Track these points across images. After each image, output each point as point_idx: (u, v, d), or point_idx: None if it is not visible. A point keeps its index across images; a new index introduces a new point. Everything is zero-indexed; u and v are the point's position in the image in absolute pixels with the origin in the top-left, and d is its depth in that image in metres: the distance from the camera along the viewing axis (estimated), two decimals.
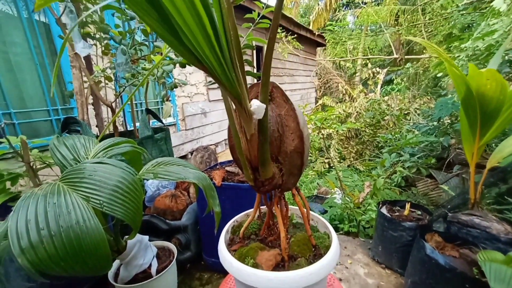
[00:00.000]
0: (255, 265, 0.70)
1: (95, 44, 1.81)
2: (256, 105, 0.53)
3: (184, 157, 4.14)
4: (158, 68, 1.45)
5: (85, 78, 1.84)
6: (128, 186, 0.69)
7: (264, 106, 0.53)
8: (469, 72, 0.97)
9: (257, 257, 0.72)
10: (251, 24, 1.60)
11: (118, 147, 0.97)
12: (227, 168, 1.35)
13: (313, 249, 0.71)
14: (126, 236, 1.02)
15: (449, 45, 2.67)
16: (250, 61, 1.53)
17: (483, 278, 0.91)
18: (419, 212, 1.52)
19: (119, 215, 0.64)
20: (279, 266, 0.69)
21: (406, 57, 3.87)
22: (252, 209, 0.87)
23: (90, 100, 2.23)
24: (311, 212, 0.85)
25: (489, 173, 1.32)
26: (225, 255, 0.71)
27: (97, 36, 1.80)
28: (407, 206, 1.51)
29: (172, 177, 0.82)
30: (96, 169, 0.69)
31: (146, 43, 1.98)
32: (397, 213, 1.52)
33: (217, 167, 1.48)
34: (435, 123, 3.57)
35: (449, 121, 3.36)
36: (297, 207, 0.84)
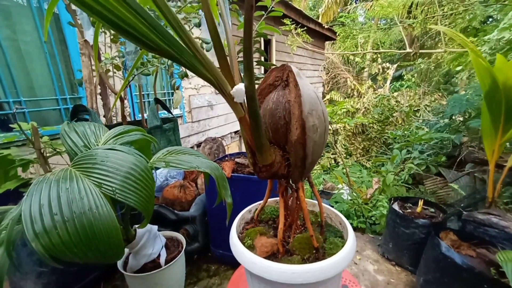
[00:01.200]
0: (251, 247, 0.70)
1: (104, 32, 1.79)
2: (234, 89, 0.53)
3: None
4: None
5: (93, 67, 1.83)
6: (141, 173, 0.68)
7: (242, 89, 0.52)
8: (496, 63, 0.92)
9: (255, 240, 0.72)
10: (263, 12, 1.55)
11: (129, 135, 0.96)
12: (237, 160, 1.33)
13: (314, 251, 0.68)
14: (136, 225, 1.01)
15: (468, 38, 2.57)
16: (262, 50, 1.49)
17: (503, 278, 0.88)
18: (432, 210, 1.48)
19: (132, 203, 0.63)
20: (274, 255, 0.68)
21: (420, 51, 3.75)
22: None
23: (98, 90, 2.23)
24: (327, 206, 0.82)
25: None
26: (236, 244, 0.69)
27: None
28: (420, 203, 1.47)
29: (184, 166, 0.80)
30: (108, 155, 0.67)
31: None
32: (409, 210, 1.49)
33: (226, 158, 1.47)
34: (446, 120, 3.48)
35: (461, 118, 3.28)
36: (329, 206, 0.81)
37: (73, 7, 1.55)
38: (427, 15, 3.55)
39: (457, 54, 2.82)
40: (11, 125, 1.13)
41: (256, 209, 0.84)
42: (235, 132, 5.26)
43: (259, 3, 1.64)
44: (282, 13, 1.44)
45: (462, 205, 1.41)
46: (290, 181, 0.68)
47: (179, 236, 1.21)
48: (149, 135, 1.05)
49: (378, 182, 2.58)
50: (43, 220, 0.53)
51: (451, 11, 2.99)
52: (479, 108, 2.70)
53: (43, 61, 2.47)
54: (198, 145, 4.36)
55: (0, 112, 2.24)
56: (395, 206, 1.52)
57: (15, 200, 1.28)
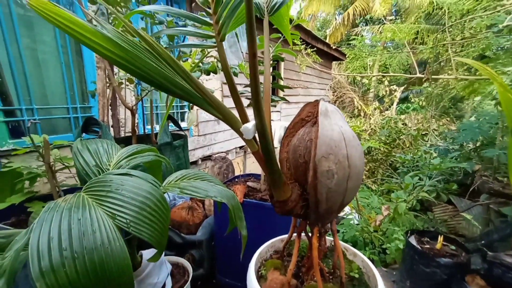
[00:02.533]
0: (264, 278, 0.67)
1: None
2: (242, 127, 0.54)
3: (194, 162, 4.11)
4: None
5: (108, 81, 1.84)
6: (156, 203, 0.64)
7: (249, 128, 0.53)
8: None
9: (268, 272, 0.67)
10: (280, 35, 1.57)
11: (142, 156, 0.93)
12: (249, 183, 1.28)
13: None
14: (142, 251, 0.96)
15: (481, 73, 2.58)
16: (279, 73, 1.49)
17: None
18: (453, 247, 1.40)
19: (146, 237, 0.59)
20: None
21: (433, 77, 3.77)
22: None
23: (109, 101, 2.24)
24: (359, 254, 0.76)
25: None
26: (250, 276, 0.64)
27: None
28: (440, 239, 1.39)
29: (201, 195, 0.76)
30: (123, 182, 0.64)
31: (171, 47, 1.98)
32: (427, 246, 1.41)
33: (236, 180, 1.42)
34: (456, 146, 3.42)
35: (471, 145, 3.22)
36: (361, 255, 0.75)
37: (94, 22, 1.58)
38: (436, 41, 3.60)
39: (469, 81, 2.81)
40: (23, 138, 1.11)
41: (270, 251, 0.79)
42: (240, 147, 5.24)
43: (276, 26, 1.66)
44: (300, 38, 1.45)
45: (483, 242, 1.34)
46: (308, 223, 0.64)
47: (185, 263, 1.15)
48: (162, 155, 1.02)
49: (387, 209, 2.49)
50: (51, 256, 0.49)
51: (462, 40, 3.03)
52: (492, 137, 2.65)
53: (58, 70, 2.52)
54: (203, 158, 4.33)
55: (12, 119, 2.25)
56: (412, 240, 1.44)
57: (17, 214, 1.24)
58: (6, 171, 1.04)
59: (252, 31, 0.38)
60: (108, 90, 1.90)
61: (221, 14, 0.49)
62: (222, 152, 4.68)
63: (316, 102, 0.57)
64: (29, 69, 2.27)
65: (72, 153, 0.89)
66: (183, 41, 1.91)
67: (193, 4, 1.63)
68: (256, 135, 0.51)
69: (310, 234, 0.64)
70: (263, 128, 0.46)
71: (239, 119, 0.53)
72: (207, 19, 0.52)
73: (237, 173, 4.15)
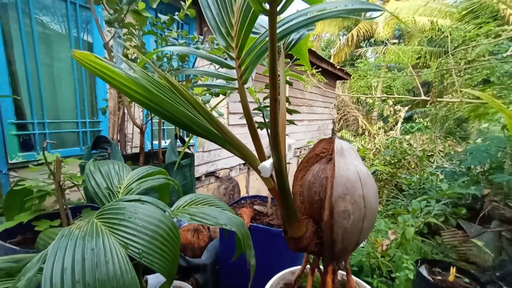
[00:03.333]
0: None
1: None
2: (260, 166, 0.55)
3: (198, 178, 4.10)
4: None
5: (120, 99, 1.90)
6: (168, 232, 0.64)
7: (267, 167, 0.54)
8: None
9: None
10: (289, 60, 1.62)
11: (152, 180, 0.94)
12: (255, 207, 1.28)
13: None
14: (147, 276, 0.94)
15: (485, 90, 2.61)
16: (287, 97, 1.52)
17: None
18: (467, 280, 1.34)
19: (157, 268, 0.58)
20: None
21: (438, 99, 3.81)
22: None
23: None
24: (364, 285, 0.74)
25: None
26: None
27: (135, 59, 1.87)
28: (452, 270, 1.34)
29: (210, 222, 0.75)
30: (136, 210, 0.64)
31: (181, 68, 2.05)
32: (439, 277, 1.36)
33: (243, 202, 1.41)
34: (463, 169, 3.37)
35: (479, 168, 3.17)
36: None
37: (110, 44, 1.66)
38: (441, 66, 3.67)
39: (475, 105, 2.83)
40: (37, 157, 1.13)
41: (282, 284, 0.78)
42: (244, 164, 5.24)
43: (295, 55, 1.72)
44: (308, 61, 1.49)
45: (497, 274, 1.28)
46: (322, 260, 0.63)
47: None
48: (171, 178, 1.03)
49: (394, 233, 2.43)
50: None
51: (466, 65, 3.08)
52: (501, 161, 2.62)
53: (71, 86, 2.61)
54: (207, 174, 4.32)
55: (24, 133, 2.30)
56: (423, 271, 1.39)
57: (24, 232, 1.24)
58: (18, 189, 1.05)
59: (274, 78, 0.40)
60: (119, 108, 1.95)
61: (244, 60, 0.52)
62: (226, 168, 4.67)
63: (331, 139, 0.58)
64: (44, 84, 2.35)
65: (84, 174, 0.91)
66: (194, 62, 1.98)
67: (205, 29, 1.70)
68: (273, 172, 0.52)
69: (322, 269, 0.63)
70: (280, 167, 0.47)
71: (257, 157, 0.54)
72: (231, 63, 0.55)
73: (241, 187, 4.11)
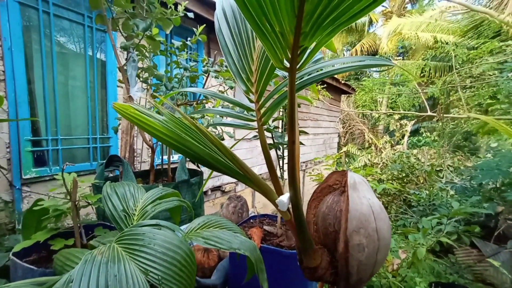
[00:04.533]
0: None
1: (147, 88, 1.97)
2: (278, 200, 0.57)
3: (204, 193, 4.11)
4: (205, 116, 1.52)
5: None
6: (185, 258, 0.65)
7: (284, 202, 0.56)
8: None
9: None
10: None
11: (167, 202, 0.96)
12: (265, 227, 1.28)
13: None
14: None
15: (493, 105, 2.62)
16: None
17: None
18: None
19: None
20: None
21: (445, 115, 3.82)
22: None
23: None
24: None
25: None
26: None
27: (146, 78, 1.94)
28: None
29: (224, 246, 0.77)
30: (155, 236, 0.66)
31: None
32: None
33: (251, 221, 1.42)
34: (474, 185, 3.31)
35: (491, 184, 3.11)
36: None
37: (126, 67, 1.74)
38: (446, 84, 3.70)
39: (482, 122, 2.83)
40: (55, 177, 1.18)
41: None
42: None
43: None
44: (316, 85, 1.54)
45: None
46: None
47: None
48: (184, 200, 1.05)
49: (404, 252, 2.37)
50: None
51: (472, 82, 3.11)
52: None
53: (84, 103, 2.71)
54: (213, 189, 4.33)
55: (39, 149, 2.38)
56: None
57: (39, 251, 1.26)
58: (36, 209, 1.09)
59: (293, 125, 0.43)
60: (130, 127, 2.01)
61: (263, 104, 0.56)
62: (232, 183, 4.68)
63: (344, 172, 0.61)
64: (59, 102, 2.45)
65: (102, 197, 0.94)
66: (204, 84, 2.05)
67: (215, 52, 1.78)
68: (289, 205, 0.54)
69: None
70: (297, 200, 0.50)
71: (275, 191, 0.56)
72: (251, 106, 0.59)
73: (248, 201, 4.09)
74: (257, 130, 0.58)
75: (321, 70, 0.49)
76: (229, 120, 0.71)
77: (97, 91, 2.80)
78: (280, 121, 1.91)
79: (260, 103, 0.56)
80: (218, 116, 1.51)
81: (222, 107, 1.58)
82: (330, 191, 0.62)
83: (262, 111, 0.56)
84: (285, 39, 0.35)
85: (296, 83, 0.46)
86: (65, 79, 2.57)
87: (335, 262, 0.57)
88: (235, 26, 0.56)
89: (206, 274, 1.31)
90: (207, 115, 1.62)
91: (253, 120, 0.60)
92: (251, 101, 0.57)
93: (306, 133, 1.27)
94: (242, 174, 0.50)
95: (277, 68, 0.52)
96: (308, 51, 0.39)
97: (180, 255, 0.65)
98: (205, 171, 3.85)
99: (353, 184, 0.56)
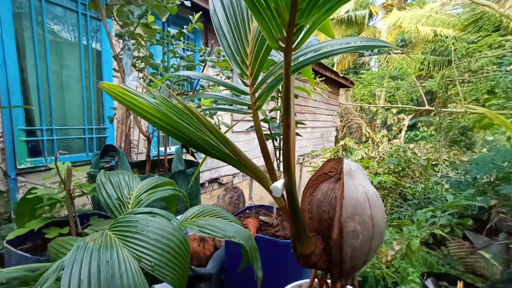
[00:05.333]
0: None
1: (143, 78, 1.93)
2: (272, 186, 0.57)
3: (202, 185, 4.12)
4: (201, 106, 1.50)
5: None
6: (179, 245, 0.65)
7: (279, 188, 0.56)
8: None
9: None
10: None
11: (162, 191, 0.96)
12: (261, 217, 1.28)
13: None
14: (154, 286, 0.95)
15: (490, 101, 2.63)
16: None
17: None
18: None
19: (168, 281, 0.59)
20: None
21: (443, 110, 3.82)
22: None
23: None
24: None
25: None
26: None
27: (142, 68, 1.90)
28: (460, 285, 1.33)
29: (219, 234, 0.77)
30: (148, 223, 0.66)
31: (189, 79, 2.09)
32: None
33: (247, 212, 1.42)
34: (469, 179, 3.34)
35: (485, 179, 3.14)
36: None
37: (121, 55, 1.70)
38: (445, 78, 3.69)
39: (480, 116, 2.83)
40: (50, 166, 1.16)
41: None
42: None
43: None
44: (312, 72, 1.52)
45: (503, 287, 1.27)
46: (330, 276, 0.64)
47: None
48: (179, 189, 1.04)
49: (399, 244, 2.41)
50: None
51: (470, 76, 3.11)
52: (507, 172, 2.60)
53: (79, 93, 2.66)
54: (210, 181, 4.34)
55: (33, 139, 2.35)
56: (430, 284, 1.38)
57: (33, 239, 1.26)
58: (30, 198, 1.08)
59: (288, 107, 0.42)
60: (126, 116, 1.98)
61: (258, 87, 0.55)
62: (229, 175, 4.68)
63: (340, 159, 0.60)
64: (53, 92, 2.40)
65: (96, 185, 0.93)
66: (202, 70, 2.02)
67: (212, 41, 1.74)
68: (284, 192, 0.54)
69: (330, 285, 0.64)
70: (291, 188, 0.49)
71: (269, 178, 0.56)
72: (246, 90, 0.57)
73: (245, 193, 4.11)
74: (251, 115, 0.56)
75: (318, 51, 0.48)
76: (224, 105, 0.69)
77: (92, 81, 2.75)
78: (278, 112, 1.90)
79: (255, 86, 0.55)
80: (214, 105, 1.49)
81: None
82: (326, 178, 0.61)
83: (256, 94, 0.55)
84: (281, 16, 0.34)
85: (291, 64, 0.45)
86: (59, 68, 2.52)
87: (329, 249, 0.57)
88: (230, 7, 0.54)
89: (202, 263, 1.32)
90: (203, 105, 1.60)
91: (248, 104, 0.58)
92: (245, 84, 0.56)
93: (303, 123, 1.26)
94: (236, 159, 0.49)
95: (272, 50, 0.50)
96: (304, 30, 0.37)
97: (173, 242, 0.64)
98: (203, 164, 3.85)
99: (349, 171, 0.56)
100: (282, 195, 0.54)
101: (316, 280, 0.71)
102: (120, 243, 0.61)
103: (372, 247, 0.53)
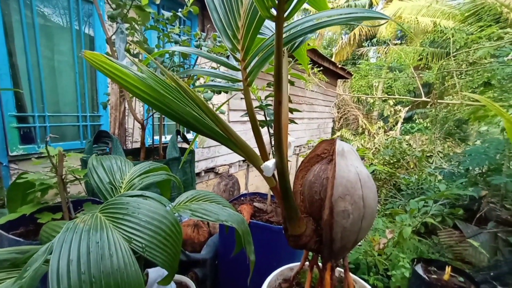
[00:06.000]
0: None
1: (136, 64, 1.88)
2: (263, 165, 0.56)
3: (198, 174, 4.12)
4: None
5: (122, 94, 1.90)
6: (170, 227, 0.65)
7: (270, 167, 0.55)
8: None
9: None
10: (291, 60, 1.62)
11: (154, 175, 0.95)
12: (255, 204, 1.29)
13: None
14: (148, 270, 0.96)
15: (485, 93, 2.63)
16: (288, 95, 1.53)
17: None
18: (462, 279, 1.37)
19: (159, 262, 0.59)
20: None
21: (439, 101, 3.82)
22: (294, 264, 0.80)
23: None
24: (362, 283, 0.76)
25: None
26: None
27: (136, 54, 1.86)
28: (448, 269, 1.37)
29: (212, 218, 0.77)
30: (139, 205, 0.65)
31: (184, 64, 2.05)
32: (434, 276, 1.38)
33: (242, 199, 1.43)
34: (461, 170, 3.39)
35: (477, 170, 3.19)
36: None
37: (114, 39, 1.65)
38: (442, 68, 3.68)
39: (475, 108, 2.84)
40: (40, 150, 1.14)
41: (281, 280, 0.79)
42: (243, 161, 5.25)
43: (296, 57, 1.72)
44: (309, 58, 1.50)
45: (492, 273, 1.31)
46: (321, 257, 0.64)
47: (189, 282, 1.14)
48: (173, 174, 1.04)
49: (391, 232, 2.46)
50: (69, 279, 0.50)
51: (467, 68, 3.09)
52: (499, 163, 2.64)
53: (72, 79, 2.60)
54: (206, 170, 4.34)
55: (25, 125, 2.30)
56: (419, 269, 1.42)
57: (26, 224, 1.25)
58: (21, 182, 1.06)
59: (280, 81, 0.40)
60: (120, 102, 1.95)
61: (249, 62, 0.53)
62: (225, 165, 4.69)
63: (332, 140, 0.60)
64: (44, 77, 2.34)
65: (87, 169, 0.92)
66: (196, 60, 1.98)
67: (207, 26, 1.70)
68: (275, 172, 0.53)
69: (321, 266, 0.65)
70: (283, 167, 0.49)
71: (260, 157, 0.55)
72: (236, 65, 0.55)
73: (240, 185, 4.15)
74: (242, 91, 0.55)
75: (311, 22, 0.46)
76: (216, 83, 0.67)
77: (85, 67, 2.68)
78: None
79: (246, 61, 0.53)
80: (209, 91, 1.47)
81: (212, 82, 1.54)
82: (318, 160, 0.61)
83: (248, 70, 0.54)
84: None
85: (284, 36, 0.43)
86: (50, 53, 2.44)
87: (319, 230, 0.58)
88: None
89: (196, 249, 1.33)
90: (198, 91, 1.57)
91: (239, 81, 0.57)
92: (236, 59, 0.54)
93: (299, 110, 1.25)
94: (226, 137, 0.48)
95: (264, 29, 0.48)
96: None
97: (165, 224, 0.64)
98: (198, 152, 3.84)
99: (341, 152, 0.55)
100: (274, 175, 0.54)
101: (307, 262, 0.72)
102: (110, 224, 0.61)
103: (363, 228, 0.53)
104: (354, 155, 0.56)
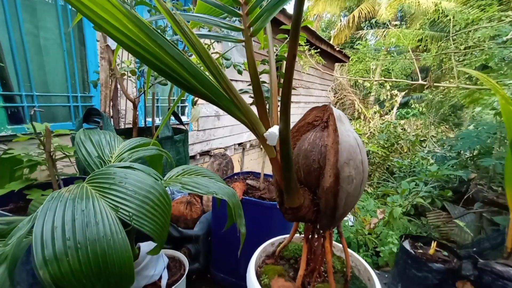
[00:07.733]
0: (267, 286, 0.67)
1: None
2: (268, 132, 0.52)
3: (193, 157, 4.11)
4: None
5: (112, 72, 1.83)
6: (159, 198, 0.64)
7: (275, 133, 0.52)
8: None
9: (272, 280, 0.68)
10: (286, 36, 1.57)
11: (144, 150, 0.93)
12: (248, 181, 1.29)
13: None
14: (140, 244, 0.97)
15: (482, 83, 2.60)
16: (283, 73, 1.49)
17: None
18: (446, 253, 1.42)
19: (147, 231, 0.59)
20: None
21: (435, 84, 3.79)
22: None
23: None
24: (357, 257, 0.77)
25: None
26: (252, 281, 0.65)
27: None
28: (433, 244, 1.42)
29: (202, 191, 0.76)
30: (126, 176, 0.64)
31: (176, 41, 1.97)
32: (420, 250, 1.43)
33: (236, 177, 1.43)
34: (453, 154, 3.45)
35: (468, 153, 3.25)
36: (359, 257, 0.77)
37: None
38: (440, 50, 3.62)
39: (470, 91, 2.83)
40: (25, 126, 1.11)
41: (280, 243, 0.80)
42: (239, 144, 5.25)
43: (283, 27, 1.66)
44: (305, 38, 1.45)
45: (474, 249, 1.36)
46: (318, 226, 0.65)
47: (182, 257, 1.16)
48: (163, 149, 1.02)
49: (382, 213, 2.53)
50: (54, 245, 0.49)
51: (465, 50, 3.05)
52: (489, 146, 2.68)
53: (60, 58, 2.50)
54: (202, 153, 4.33)
55: (11, 105, 2.23)
56: (406, 245, 1.46)
57: (16, 201, 1.24)
58: (6, 157, 1.04)
59: (297, 32, 0.36)
60: (110, 81, 1.89)
61: (255, 6, 0.47)
62: (220, 148, 4.68)
63: (324, 107, 0.58)
64: (30, 55, 2.24)
65: (74, 143, 0.89)
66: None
67: None
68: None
69: (312, 238, 0.65)
70: (287, 133, 0.45)
71: (262, 125, 0.51)
72: (236, 9, 0.48)
73: (235, 170, 4.17)
74: (243, 44, 0.49)
75: None
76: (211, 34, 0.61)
77: (74, 45, 2.57)
78: (267, 76, 1.84)
79: (250, 5, 0.47)
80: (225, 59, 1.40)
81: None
82: (309, 128, 0.60)
83: (252, 17, 0.47)
84: None
85: None
86: (35, 30, 2.32)
87: (316, 200, 0.57)
88: None
89: (189, 226, 1.34)
90: None
91: (239, 29, 0.50)
92: (237, 3, 0.47)
93: (294, 88, 1.22)
94: (229, 98, 0.44)
95: None
96: None
97: (153, 194, 0.64)
98: (193, 135, 3.81)
99: (339, 117, 0.54)
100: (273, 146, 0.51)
101: (297, 234, 0.73)
102: (97, 194, 0.60)
103: (360, 193, 0.53)
104: (348, 121, 0.55)
